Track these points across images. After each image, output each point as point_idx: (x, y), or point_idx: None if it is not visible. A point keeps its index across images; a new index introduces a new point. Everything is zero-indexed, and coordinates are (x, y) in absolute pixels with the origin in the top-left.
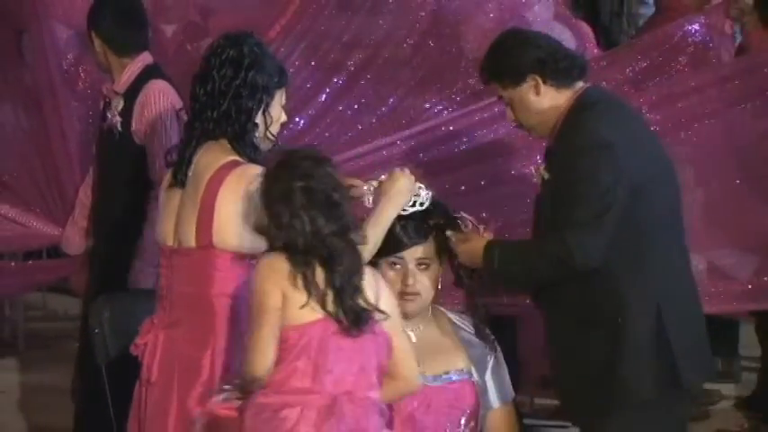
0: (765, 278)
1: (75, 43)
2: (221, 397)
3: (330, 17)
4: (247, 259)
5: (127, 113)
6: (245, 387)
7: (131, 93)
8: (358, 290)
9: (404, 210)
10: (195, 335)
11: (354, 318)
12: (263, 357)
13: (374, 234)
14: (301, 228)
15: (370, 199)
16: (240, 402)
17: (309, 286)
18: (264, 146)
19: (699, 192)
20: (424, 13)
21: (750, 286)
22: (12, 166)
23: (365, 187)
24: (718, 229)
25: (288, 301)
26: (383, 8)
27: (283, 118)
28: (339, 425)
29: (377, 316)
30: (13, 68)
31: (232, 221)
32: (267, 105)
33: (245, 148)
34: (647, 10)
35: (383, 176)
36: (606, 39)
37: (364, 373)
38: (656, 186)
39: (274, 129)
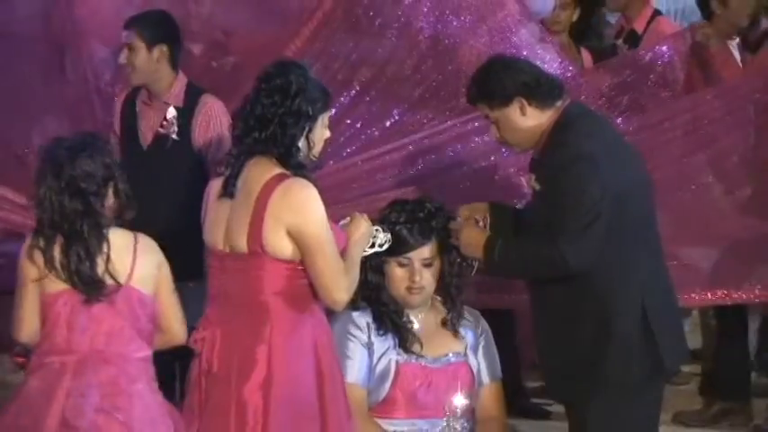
0: (723, 270)
1: (113, 63)
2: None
3: (339, 40)
4: (295, 263)
5: (186, 123)
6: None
7: (188, 105)
8: (94, 263)
9: (365, 251)
10: (251, 331)
11: (91, 288)
12: (25, 325)
13: (351, 271)
14: (48, 207)
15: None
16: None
17: (51, 260)
18: (309, 163)
19: (669, 197)
20: (423, 37)
21: (712, 276)
22: None
23: (343, 221)
24: (685, 231)
25: (41, 274)
26: (387, 32)
27: (326, 135)
28: (91, 380)
29: (135, 282)
30: (56, 83)
31: (280, 230)
32: (310, 130)
33: (291, 165)
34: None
35: (347, 218)
36: None
37: (117, 334)
38: (634, 192)
39: (316, 150)
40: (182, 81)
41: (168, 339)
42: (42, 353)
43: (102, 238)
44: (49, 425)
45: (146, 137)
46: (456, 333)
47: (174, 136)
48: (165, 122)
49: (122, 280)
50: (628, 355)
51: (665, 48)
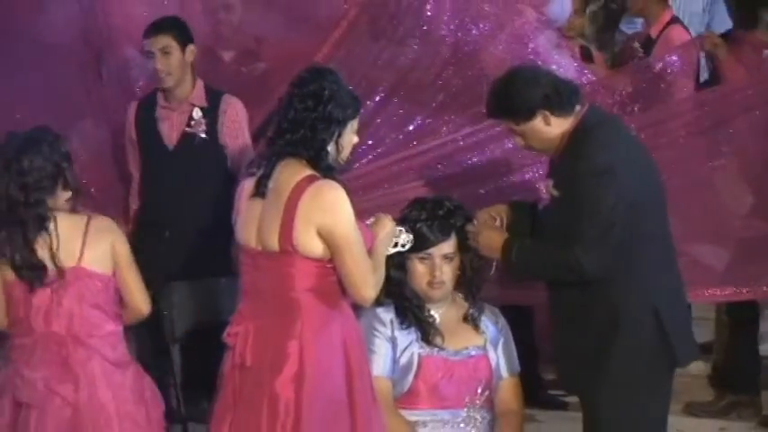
0: (732, 268)
1: (147, 70)
2: None
3: (365, 47)
4: (324, 261)
5: (212, 122)
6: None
7: (211, 104)
8: (33, 251)
9: (388, 250)
10: (282, 326)
11: (32, 274)
12: None
13: (378, 269)
14: (1, 198)
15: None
16: None
17: (1, 249)
18: (338, 166)
19: (682, 199)
20: (444, 44)
21: (722, 274)
22: (96, 176)
23: (369, 221)
24: (697, 230)
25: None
26: (410, 40)
27: (355, 140)
28: (42, 359)
29: (86, 263)
30: (94, 87)
31: (310, 229)
32: (340, 135)
33: (321, 167)
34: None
35: (372, 218)
36: None
37: (76, 315)
38: (649, 199)
39: (345, 154)
40: (200, 82)
41: (133, 314)
42: (14, 337)
43: (43, 226)
44: (4, 404)
45: (170, 138)
46: (477, 327)
47: (202, 134)
48: (192, 122)
49: (71, 263)
50: (639, 352)
51: (675, 57)
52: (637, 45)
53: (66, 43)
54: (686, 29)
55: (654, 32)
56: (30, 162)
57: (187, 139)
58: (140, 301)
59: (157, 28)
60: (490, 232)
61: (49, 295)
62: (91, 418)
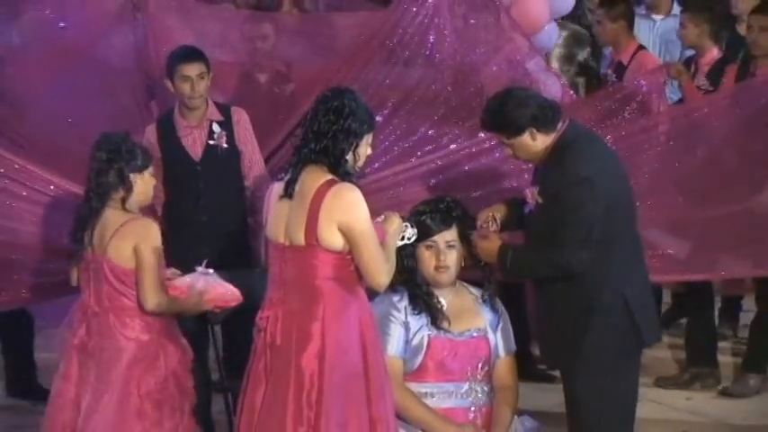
0: (687, 253)
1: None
2: None
3: (376, 69)
4: (344, 253)
5: (229, 132)
6: None
7: (225, 117)
8: (82, 235)
9: (397, 243)
10: (307, 310)
11: (76, 251)
12: None
13: (390, 259)
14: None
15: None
16: None
17: None
18: (355, 172)
19: (649, 200)
20: (445, 67)
21: (678, 259)
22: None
23: (379, 218)
24: (658, 220)
25: None
26: (415, 63)
27: (369, 152)
28: (92, 326)
29: (110, 256)
30: (144, 105)
31: (332, 226)
32: (357, 146)
33: (340, 173)
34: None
35: (383, 216)
36: None
37: (106, 293)
38: (621, 201)
39: (360, 163)
40: (209, 100)
41: (142, 305)
42: None
43: (95, 216)
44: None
45: (195, 151)
46: (479, 313)
47: (224, 145)
48: (215, 135)
49: (99, 252)
50: (610, 334)
51: (643, 82)
52: (610, 71)
53: (122, 67)
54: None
55: (624, 59)
56: (99, 164)
57: (211, 151)
58: (146, 298)
59: (195, 56)
60: (485, 243)
61: (85, 271)
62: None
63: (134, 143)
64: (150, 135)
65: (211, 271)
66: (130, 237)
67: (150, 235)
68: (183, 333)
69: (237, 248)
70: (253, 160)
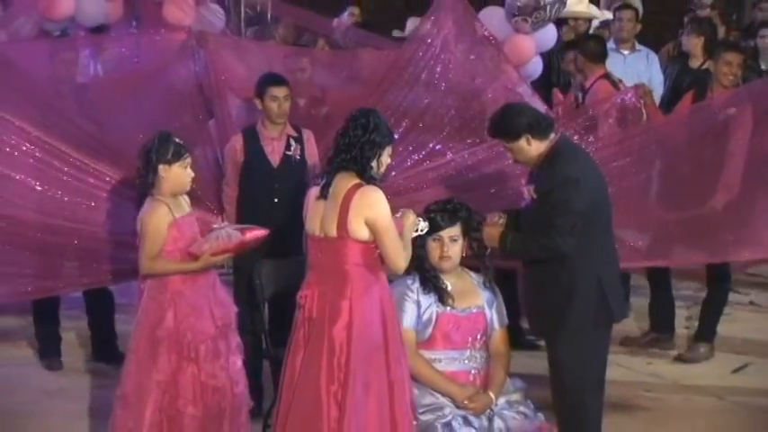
0: (649, 245)
1: (245, 113)
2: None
3: (394, 94)
4: (368, 243)
5: (301, 147)
6: None
7: (298, 135)
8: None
9: (412, 234)
10: (337, 290)
11: None
12: None
13: (407, 248)
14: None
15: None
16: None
17: None
18: (378, 177)
19: (618, 202)
20: (450, 93)
21: (642, 250)
22: (201, 183)
23: (398, 214)
24: (626, 219)
25: None
26: (425, 89)
27: (389, 161)
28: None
29: None
30: (204, 124)
31: (359, 221)
32: (379, 155)
33: (366, 178)
34: None
35: (400, 212)
36: None
37: None
38: (600, 199)
39: (382, 170)
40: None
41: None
42: None
43: (140, 204)
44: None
45: (274, 159)
46: (477, 293)
47: (297, 156)
48: (292, 148)
49: None
50: (587, 310)
51: (607, 105)
52: (579, 94)
53: (185, 92)
54: (614, 82)
55: (588, 84)
56: (142, 160)
57: (287, 160)
58: (140, 264)
59: (282, 81)
60: (490, 229)
61: None
62: None
63: (168, 140)
64: (236, 143)
65: (226, 223)
66: (141, 214)
67: (151, 212)
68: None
69: (295, 238)
70: (313, 172)
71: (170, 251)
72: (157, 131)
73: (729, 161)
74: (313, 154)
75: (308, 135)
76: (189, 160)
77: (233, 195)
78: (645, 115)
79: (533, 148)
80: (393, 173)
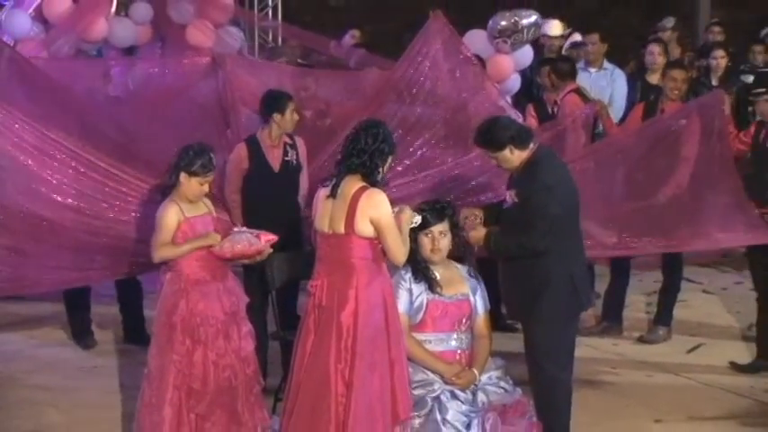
0: (617, 240)
1: (254, 123)
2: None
3: (390, 107)
4: (372, 239)
5: (296, 153)
6: None
7: (294, 142)
8: None
9: (409, 227)
10: (345, 281)
11: None
12: None
13: (405, 242)
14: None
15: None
16: None
17: None
18: (381, 180)
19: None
20: (439, 106)
21: (610, 244)
22: (219, 186)
23: (395, 209)
24: (596, 216)
25: None
26: (417, 103)
27: (388, 168)
28: None
29: None
30: (222, 134)
31: (365, 220)
32: (384, 162)
33: (370, 181)
34: None
35: (397, 208)
36: None
37: None
38: (572, 203)
39: (384, 174)
40: None
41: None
42: None
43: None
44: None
45: (275, 165)
46: (463, 282)
47: (294, 161)
48: (289, 153)
49: None
50: (559, 299)
51: (573, 118)
52: (552, 107)
53: (207, 106)
54: (584, 96)
55: (559, 99)
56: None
57: (287, 164)
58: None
59: (292, 97)
60: (475, 233)
61: None
62: None
63: (201, 154)
64: (241, 151)
65: (245, 229)
66: (157, 213)
67: (163, 210)
68: (249, 297)
69: (295, 233)
70: (306, 173)
71: (179, 245)
72: (199, 143)
73: (682, 164)
74: (305, 158)
75: (300, 142)
76: (211, 178)
77: (239, 200)
78: (601, 127)
79: (515, 156)
80: (389, 176)
